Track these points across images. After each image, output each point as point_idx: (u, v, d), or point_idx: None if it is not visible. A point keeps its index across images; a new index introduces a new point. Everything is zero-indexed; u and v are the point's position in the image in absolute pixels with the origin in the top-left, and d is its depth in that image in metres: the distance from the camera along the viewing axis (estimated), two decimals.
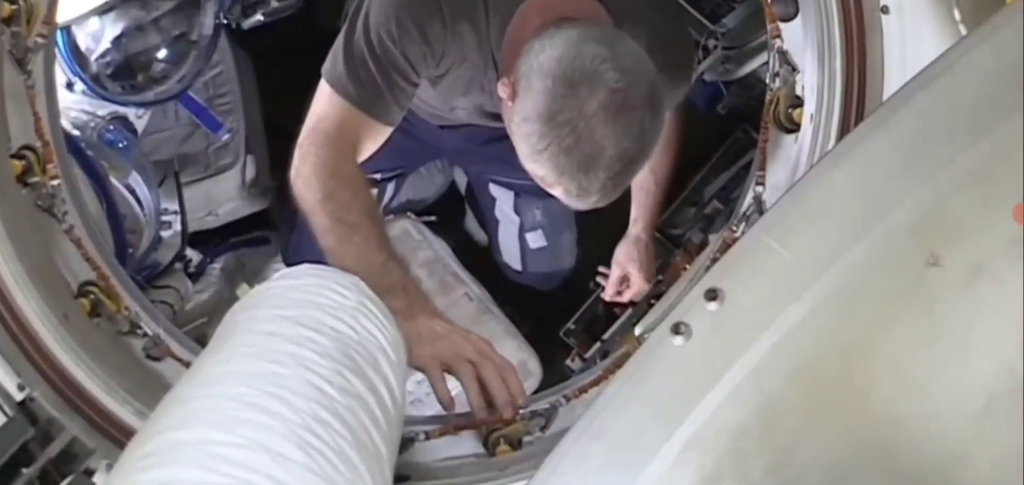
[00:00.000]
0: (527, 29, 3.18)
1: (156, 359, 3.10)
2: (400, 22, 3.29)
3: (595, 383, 3.00)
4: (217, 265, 5.10)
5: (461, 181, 5.45)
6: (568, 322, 5.21)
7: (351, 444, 2.02)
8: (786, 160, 2.85)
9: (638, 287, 4.72)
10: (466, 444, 2.97)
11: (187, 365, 3.03)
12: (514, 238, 5.04)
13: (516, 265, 5.11)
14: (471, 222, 5.63)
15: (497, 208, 5.02)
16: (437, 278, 5.00)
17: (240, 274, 5.16)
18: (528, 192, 4.71)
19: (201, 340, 4.17)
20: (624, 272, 4.72)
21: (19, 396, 2.68)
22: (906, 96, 1.95)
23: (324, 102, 3.33)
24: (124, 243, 3.75)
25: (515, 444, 2.90)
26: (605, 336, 5.07)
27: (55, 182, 2.98)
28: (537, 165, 2.95)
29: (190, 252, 4.92)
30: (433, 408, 4.78)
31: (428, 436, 2.97)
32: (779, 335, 1.90)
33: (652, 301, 4.86)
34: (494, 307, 5.06)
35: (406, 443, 2.92)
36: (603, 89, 2.83)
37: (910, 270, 1.88)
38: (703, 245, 4.88)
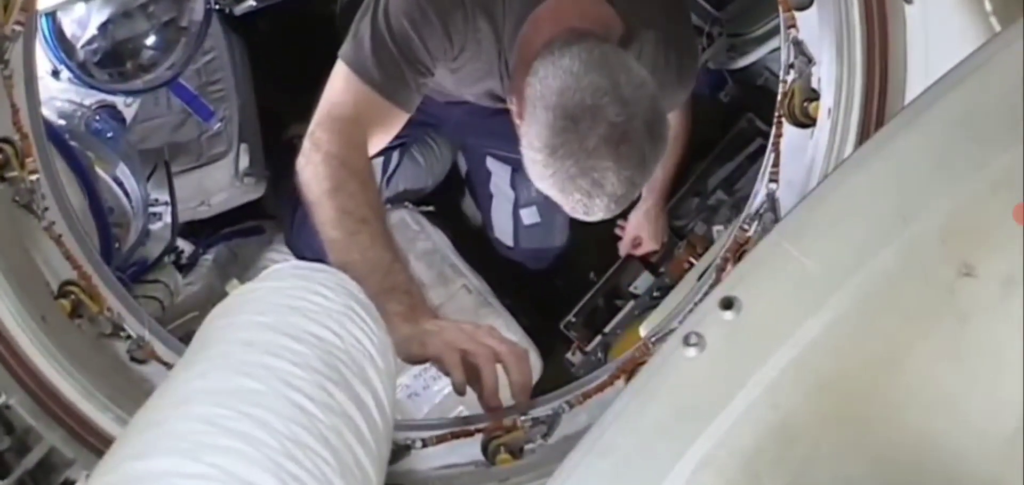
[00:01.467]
0: (539, 37, 3.29)
1: (141, 362, 2.97)
2: (424, 12, 3.33)
3: (599, 388, 2.87)
4: (209, 256, 5.00)
5: (462, 166, 5.40)
6: (568, 315, 5.13)
7: (335, 470, 1.87)
8: (801, 156, 2.71)
9: (649, 248, 4.96)
10: (465, 451, 2.84)
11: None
12: (508, 214, 5.01)
13: (508, 241, 5.08)
14: (468, 205, 5.57)
15: (492, 183, 4.98)
16: (435, 269, 4.94)
17: (233, 265, 5.05)
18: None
19: (189, 339, 4.08)
20: (636, 235, 4.95)
21: None
22: (937, 94, 1.83)
23: (340, 87, 3.30)
24: (109, 239, 3.62)
25: (516, 452, 2.77)
26: (606, 329, 4.99)
27: (34, 177, 2.85)
28: (543, 186, 3.11)
29: (181, 243, 4.82)
30: (430, 402, 4.75)
31: (425, 443, 2.84)
32: (798, 348, 1.78)
33: (656, 294, 4.87)
34: (493, 299, 4.99)
35: (402, 451, 2.81)
36: (603, 123, 2.96)
37: (941, 280, 1.76)
38: (706, 236, 4.84)
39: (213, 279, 4.92)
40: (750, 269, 1.89)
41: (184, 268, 4.80)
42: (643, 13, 3.53)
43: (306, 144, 3.18)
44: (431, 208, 5.16)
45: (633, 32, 3.44)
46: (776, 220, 2.72)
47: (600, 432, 1.87)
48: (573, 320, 5.11)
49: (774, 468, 1.79)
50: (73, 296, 2.90)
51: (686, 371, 1.83)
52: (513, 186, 4.90)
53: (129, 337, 2.97)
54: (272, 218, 5.30)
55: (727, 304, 1.81)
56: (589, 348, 5.01)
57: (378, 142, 3.35)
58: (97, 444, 2.70)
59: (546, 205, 4.53)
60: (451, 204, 5.49)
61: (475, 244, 5.25)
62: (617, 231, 5.09)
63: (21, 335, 2.68)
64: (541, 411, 2.87)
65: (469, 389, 2.78)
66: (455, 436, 2.85)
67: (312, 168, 3.12)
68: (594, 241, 5.13)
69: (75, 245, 2.97)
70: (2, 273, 2.66)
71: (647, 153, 3.05)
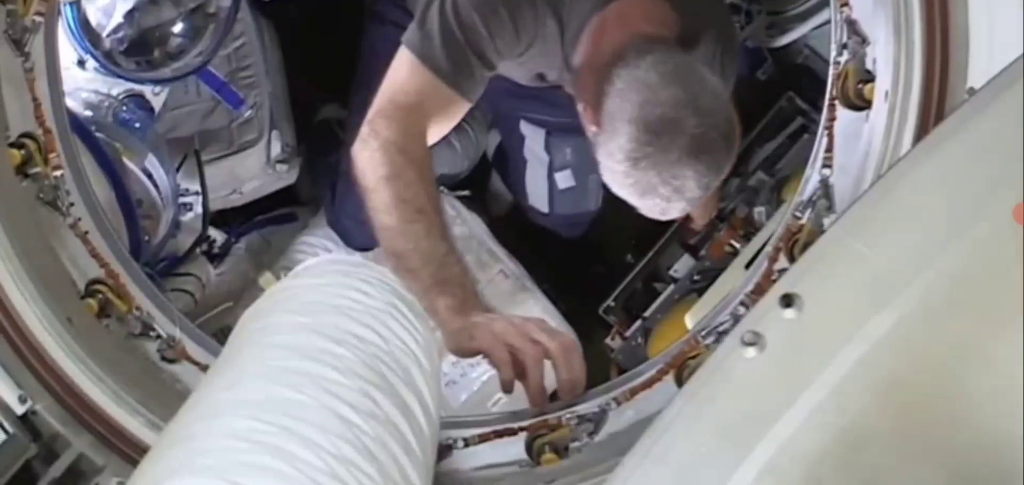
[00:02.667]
0: (607, 41, 3.30)
1: (172, 362, 2.90)
2: (494, 8, 3.34)
3: (647, 385, 2.77)
4: (242, 245, 4.92)
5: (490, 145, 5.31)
6: (607, 299, 5.03)
7: None
8: (855, 140, 2.60)
9: (701, 222, 4.80)
10: (508, 450, 2.78)
11: (205, 369, 2.81)
12: (542, 178, 4.91)
13: (543, 206, 4.98)
14: (495, 181, 5.48)
15: (526, 148, 4.86)
16: (472, 255, 4.82)
17: (266, 253, 4.97)
18: (560, 131, 4.68)
19: (222, 334, 3.99)
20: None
21: (20, 410, 2.50)
22: (1010, 78, 1.74)
23: (405, 74, 3.28)
24: (138, 233, 3.51)
25: (561, 451, 2.70)
26: (646, 313, 4.87)
27: (58, 173, 2.79)
28: (622, 192, 3.16)
29: (213, 232, 4.73)
30: (467, 390, 4.69)
31: (467, 443, 2.78)
32: (865, 347, 1.72)
33: (696, 278, 4.78)
34: (531, 284, 4.92)
35: (444, 451, 2.73)
36: (684, 136, 3.00)
37: (1016, 273, 1.67)
38: (748, 218, 4.73)
39: (246, 268, 4.85)
40: (811, 265, 1.83)
41: (216, 258, 4.73)
42: (699, 13, 3.56)
43: (365, 130, 3.17)
44: (467, 192, 5.08)
45: (691, 32, 3.46)
46: (830, 208, 2.62)
47: (656, 437, 1.82)
48: (612, 305, 5.02)
49: (840, 475, 1.72)
50: (100, 296, 2.82)
51: (745, 372, 1.77)
52: (547, 149, 4.81)
53: (159, 337, 2.90)
54: (305, 204, 5.22)
55: (788, 302, 1.74)
56: (628, 333, 4.91)
57: (437, 132, 3.34)
58: (127, 450, 2.62)
59: (581, 168, 4.74)
60: (481, 188, 5.41)
61: (508, 229, 5.16)
62: None
63: (47, 338, 2.60)
64: (587, 408, 2.78)
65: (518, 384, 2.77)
66: (499, 435, 2.79)
67: (369, 154, 3.12)
68: (630, 223, 4.91)
69: (102, 242, 2.90)
70: (27, 274, 2.58)
71: (722, 158, 3.10)
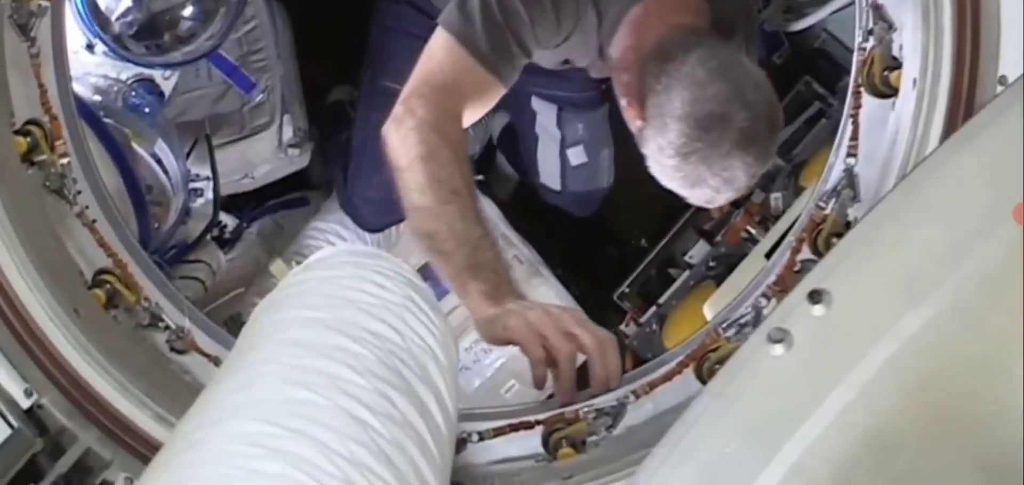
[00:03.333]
0: (645, 34, 3.30)
1: (181, 353, 2.84)
2: None
3: (667, 378, 2.70)
4: (253, 230, 4.90)
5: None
6: (621, 285, 5.03)
7: None
8: (881, 129, 2.55)
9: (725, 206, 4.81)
10: (524, 444, 2.72)
11: (215, 361, 2.76)
12: (554, 155, 4.85)
13: (555, 184, 4.91)
14: (500, 163, 5.50)
15: (537, 124, 4.82)
16: None
17: (278, 237, 4.95)
18: (572, 106, 4.66)
19: (233, 322, 3.93)
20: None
21: (25, 403, 2.43)
22: None
23: (442, 54, 3.23)
24: (147, 221, 3.46)
25: (578, 445, 2.65)
26: (660, 300, 4.86)
27: (65, 160, 2.73)
28: (670, 184, 3.18)
29: (224, 217, 4.71)
30: (481, 377, 4.65)
31: (482, 436, 2.72)
32: (896, 346, 1.65)
33: (711, 265, 4.76)
34: (545, 269, 4.93)
35: (458, 445, 2.63)
36: (733, 130, 3.00)
37: None
38: (764, 204, 4.68)
39: (258, 253, 4.83)
40: (840, 260, 1.77)
41: (227, 243, 4.70)
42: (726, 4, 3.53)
43: (399, 109, 3.12)
44: (480, 177, 5.01)
45: (723, 20, 3.44)
46: (855, 198, 2.58)
47: (680, 435, 1.78)
48: (626, 291, 5.01)
49: (869, 478, 1.67)
50: (108, 286, 2.76)
51: (772, 370, 1.72)
52: (560, 126, 4.76)
53: (168, 328, 2.84)
54: (317, 188, 5.20)
55: (816, 298, 1.68)
56: (643, 320, 4.89)
57: (471, 116, 3.29)
58: (135, 444, 2.55)
59: (593, 144, 4.74)
60: (484, 171, 5.36)
61: (512, 213, 5.15)
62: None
63: (53, 329, 2.53)
64: (605, 401, 2.71)
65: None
66: (514, 428, 2.73)
67: (404, 133, 3.06)
68: (644, 207, 5.03)
69: (110, 230, 2.85)
70: (32, 263, 2.51)
71: (769, 146, 3.15)
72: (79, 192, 2.77)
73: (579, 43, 3.52)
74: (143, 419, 2.56)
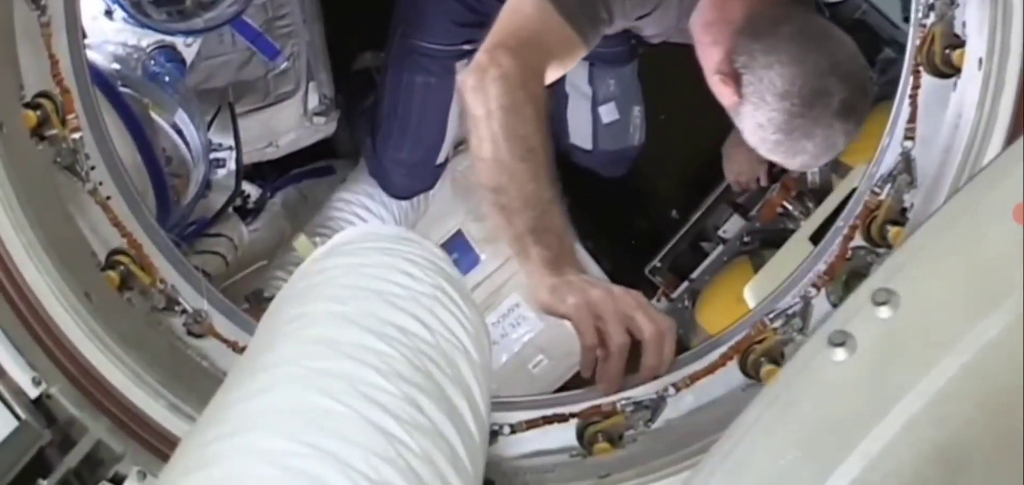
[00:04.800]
0: (732, 6, 3.29)
1: (198, 336, 2.70)
2: None
3: (709, 371, 2.56)
4: (277, 200, 4.81)
5: None
6: (653, 260, 4.97)
7: None
8: (940, 110, 2.39)
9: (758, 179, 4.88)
10: (558, 436, 2.59)
11: (234, 346, 2.61)
12: (586, 113, 4.79)
13: (586, 144, 4.84)
14: None
15: (567, 82, 4.72)
16: None
17: (303, 208, 4.86)
18: (603, 62, 4.58)
19: (255, 298, 3.79)
20: (746, 174, 4.86)
21: (34, 393, 2.27)
22: None
23: (532, 9, 3.15)
24: (166, 195, 3.30)
25: (615, 440, 2.51)
26: (693, 275, 4.80)
27: (77, 135, 2.58)
28: (770, 155, 3.28)
29: (247, 187, 4.60)
30: (508, 351, 4.56)
31: (514, 429, 2.59)
32: (969, 354, 1.51)
33: (746, 240, 4.71)
34: (575, 242, 4.68)
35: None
36: (834, 100, 3.06)
37: None
38: (801, 180, 4.61)
39: (282, 224, 4.74)
40: (910, 258, 1.62)
41: (250, 213, 4.60)
42: None
43: (483, 58, 3.03)
44: None
45: None
46: (912, 183, 2.43)
47: (731, 445, 1.66)
48: (658, 265, 4.96)
49: None
50: (122, 267, 2.61)
51: (833, 377, 1.58)
52: (591, 82, 4.70)
53: (185, 312, 2.70)
54: (343, 157, 5.10)
55: (883, 298, 1.56)
56: (675, 295, 4.84)
57: (551, 76, 3.21)
58: (148, 437, 2.39)
59: (624, 100, 4.73)
60: None
61: None
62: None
63: (63, 314, 2.36)
64: (644, 394, 2.58)
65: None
66: (548, 421, 2.60)
67: (486, 83, 2.97)
68: (675, 178, 5.08)
69: (125, 208, 2.70)
70: (42, 245, 2.35)
71: (866, 110, 3.15)
72: (93, 168, 2.62)
73: (659, 16, 3.51)
74: (157, 410, 2.40)
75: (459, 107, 4.32)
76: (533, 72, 3.04)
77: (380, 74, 4.67)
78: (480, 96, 2.94)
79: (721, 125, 4.47)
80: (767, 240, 4.61)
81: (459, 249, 4.79)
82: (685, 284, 4.78)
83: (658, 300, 4.84)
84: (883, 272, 1.60)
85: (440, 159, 4.63)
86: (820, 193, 4.48)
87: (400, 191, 4.71)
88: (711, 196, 4.95)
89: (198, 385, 2.43)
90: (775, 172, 4.73)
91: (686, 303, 4.73)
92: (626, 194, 5.08)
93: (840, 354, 1.55)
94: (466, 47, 4.38)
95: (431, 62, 4.36)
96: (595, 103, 4.72)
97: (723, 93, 3.28)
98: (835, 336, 1.55)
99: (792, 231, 4.48)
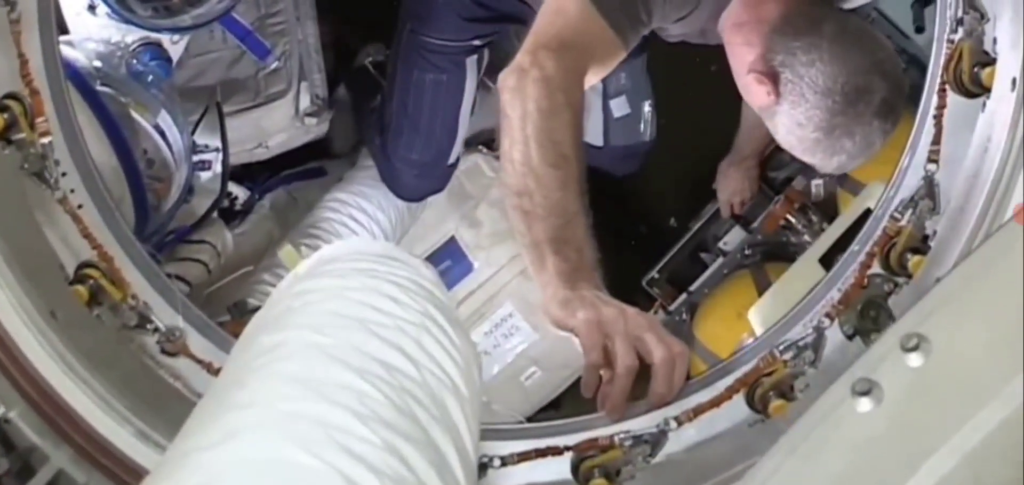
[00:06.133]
0: (765, 5, 3.21)
1: (171, 354, 2.53)
2: None
3: (714, 404, 2.40)
4: (266, 202, 4.66)
5: None
6: (651, 271, 4.90)
7: None
8: (966, 131, 2.25)
9: (747, 199, 4.86)
10: (551, 469, 2.44)
11: (208, 368, 2.45)
12: (597, 108, 4.71)
13: (597, 140, 4.74)
14: None
15: None
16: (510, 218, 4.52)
17: (293, 210, 4.70)
18: None
19: (239, 307, 3.64)
20: (736, 193, 4.85)
21: None
22: None
23: (575, 12, 3.05)
24: (144, 202, 3.13)
25: (612, 476, 2.35)
26: (692, 288, 4.71)
27: (46, 139, 2.42)
28: (805, 155, 3.19)
29: (235, 189, 4.48)
30: (500, 362, 4.44)
31: (504, 462, 2.44)
32: (1008, 409, 1.35)
33: (747, 252, 4.62)
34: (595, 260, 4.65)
35: (478, 470, 2.35)
36: (876, 98, 3.00)
37: None
38: (805, 191, 4.55)
39: (270, 227, 4.59)
40: (944, 301, 1.48)
41: (237, 216, 4.48)
42: None
43: (525, 59, 2.93)
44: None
45: None
46: (935, 209, 2.29)
47: None
48: (656, 277, 4.89)
49: None
50: (91, 282, 2.44)
51: (857, 429, 1.43)
52: None
53: (157, 330, 2.53)
54: (336, 157, 4.97)
55: (912, 344, 1.40)
56: (673, 308, 4.74)
57: (590, 81, 3.11)
58: (112, 467, 2.25)
59: (635, 94, 4.66)
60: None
61: None
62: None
63: (25, 333, 2.22)
64: (644, 426, 2.41)
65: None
66: (541, 454, 2.44)
67: (526, 84, 2.87)
68: (675, 183, 5.02)
69: (97, 217, 2.54)
70: (3, 258, 2.20)
71: (901, 111, 3.07)
72: (64, 174, 2.47)
73: (691, 19, 3.39)
74: (124, 437, 2.26)
75: (473, 106, 4.43)
76: (574, 76, 2.96)
77: (388, 71, 4.59)
78: (518, 97, 2.86)
79: (723, 130, 4.34)
80: (769, 253, 4.54)
81: (452, 256, 4.70)
82: (683, 296, 4.69)
83: (655, 313, 4.73)
84: (914, 316, 1.45)
85: (451, 159, 4.56)
86: (824, 206, 4.41)
87: (410, 193, 4.62)
88: (712, 205, 4.88)
89: (169, 409, 2.28)
90: (778, 183, 4.67)
91: (684, 316, 4.65)
92: (623, 201, 5.00)
93: (865, 404, 1.40)
94: (476, 43, 4.37)
95: (441, 58, 4.29)
96: (606, 97, 4.66)
97: (756, 93, 3.20)
98: (859, 384, 1.40)
99: (795, 244, 4.41)
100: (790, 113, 3.11)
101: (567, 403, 4.61)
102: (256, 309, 1.91)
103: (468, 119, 4.45)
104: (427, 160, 4.50)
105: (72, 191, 2.48)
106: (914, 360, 1.39)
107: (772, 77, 3.13)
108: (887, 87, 3.03)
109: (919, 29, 4.13)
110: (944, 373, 1.39)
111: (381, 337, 1.70)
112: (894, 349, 1.40)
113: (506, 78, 2.91)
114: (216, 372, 2.46)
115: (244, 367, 1.67)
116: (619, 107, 4.68)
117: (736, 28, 3.30)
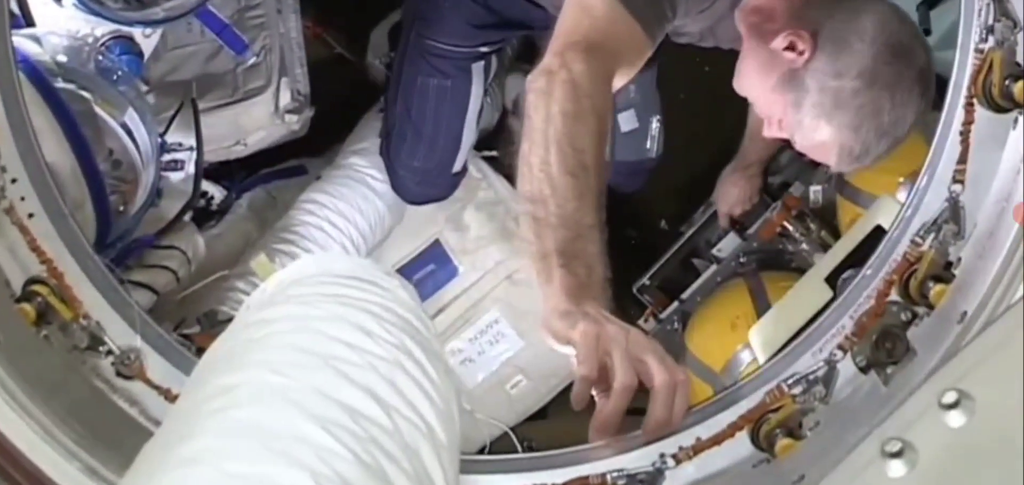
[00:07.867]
0: None
1: (127, 378, 2.31)
2: None
3: (716, 441, 2.26)
4: (243, 202, 4.47)
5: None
6: (642, 278, 4.74)
7: None
8: (995, 149, 2.09)
9: (746, 209, 4.72)
10: None
11: (166, 395, 2.22)
12: None
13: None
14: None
15: None
16: (497, 222, 4.62)
17: (271, 210, 4.49)
18: None
19: (210, 317, 3.46)
20: (736, 201, 4.72)
21: None
22: None
23: (604, 11, 2.96)
24: (106, 208, 2.87)
25: None
26: (684, 295, 4.55)
27: None
28: (836, 118, 3.00)
29: (211, 187, 4.30)
30: (485, 370, 4.35)
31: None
32: None
33: (742, 260, 4.49)
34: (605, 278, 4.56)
35: None
36: (919, 60, 2.98)
37: None
38: (804, 197, 4.39)
39: (248, 228, 4.39)
40: (986, 356, 1.35)
41: (213, 216, 4.29)
42: None
43: (553, 61, 2.82)
44: (494, 153, 4.79)
45: None
46: (959, 233, 2.11)
47: None
48: (647, 284, 4.73)
49: None
50: (39, 299, 2.22)
51: None
52: None
53: (111, 352, 2.31)
54: (316, 155, 4.76)
55: (952, 401, 1.28)
56: (664, 316, 4.58)
57: (618, 83, 3.02)
58: None
59: (644, 108, 4.55)
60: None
61: None
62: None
63: None
64: (638, 464, 2.28)
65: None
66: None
67: (553, 86, 2.76)
68: (668, 186, 4.91)
69: (49, 228, 2.30)
70: None
71: (931, 97, 3.01)
72: (13, 181, 2.24)
73: (711, 13, 3.36)
74: (71, 474, 2.04)
75: (479, 114, 4.42)
76: (603, 78, 2.85)
77: (392, 75, 4.49)
78: (544, 99, 2.74)
79: (720, 133, 4.18)
80: (765, 261, 4.39)
81: (436, 260, 4.56)
82: (675, 304, 4.53)
83: (646, 321, 4.61)
84: (952, 371, 1.31)
85: (456, 168, 4.44)
86: (823, 214, 4.28)
87: (414, 198, 4.49)
88: (707, 210, 4.76)
89: (122, 441, 2.08)
90: (775, 188, 4.55)
91: (676, 325, 4.49)
92: (613, 203, 4.79)
93: (897, 467, 1.27)
94: (483, 49, 4.30)
95: (446, 64, 4.20)
96: (615, 110, 4.49)
97: (785, 58, 3.08)
98: (890, 444, 1.27)
99: (792, 252, 4.24)
100: (828, 65, 3.00)
101: (554, 413, 4.45)
102: (229, 320, 1.71)
103: (475, 128, 4.34)
104: (430, 167, 4.40)
105: (22, 199, 2.25)
106: (954, 419, 1.26)
107: (811, 31, 3.05)
108: (925, 60, 3.00)
109: (926, 32, 3.97)
110: (989, 434, 1.26)
111: (348, 378, 1.49)
112: (931, 406, 1.27)
113: (535, 79, 2.80)
114: (174, 399, 2.25)
115: (194, 410, 1.46)
116: (627, 121, 4.58)
117: (754, 9, 3.24)
